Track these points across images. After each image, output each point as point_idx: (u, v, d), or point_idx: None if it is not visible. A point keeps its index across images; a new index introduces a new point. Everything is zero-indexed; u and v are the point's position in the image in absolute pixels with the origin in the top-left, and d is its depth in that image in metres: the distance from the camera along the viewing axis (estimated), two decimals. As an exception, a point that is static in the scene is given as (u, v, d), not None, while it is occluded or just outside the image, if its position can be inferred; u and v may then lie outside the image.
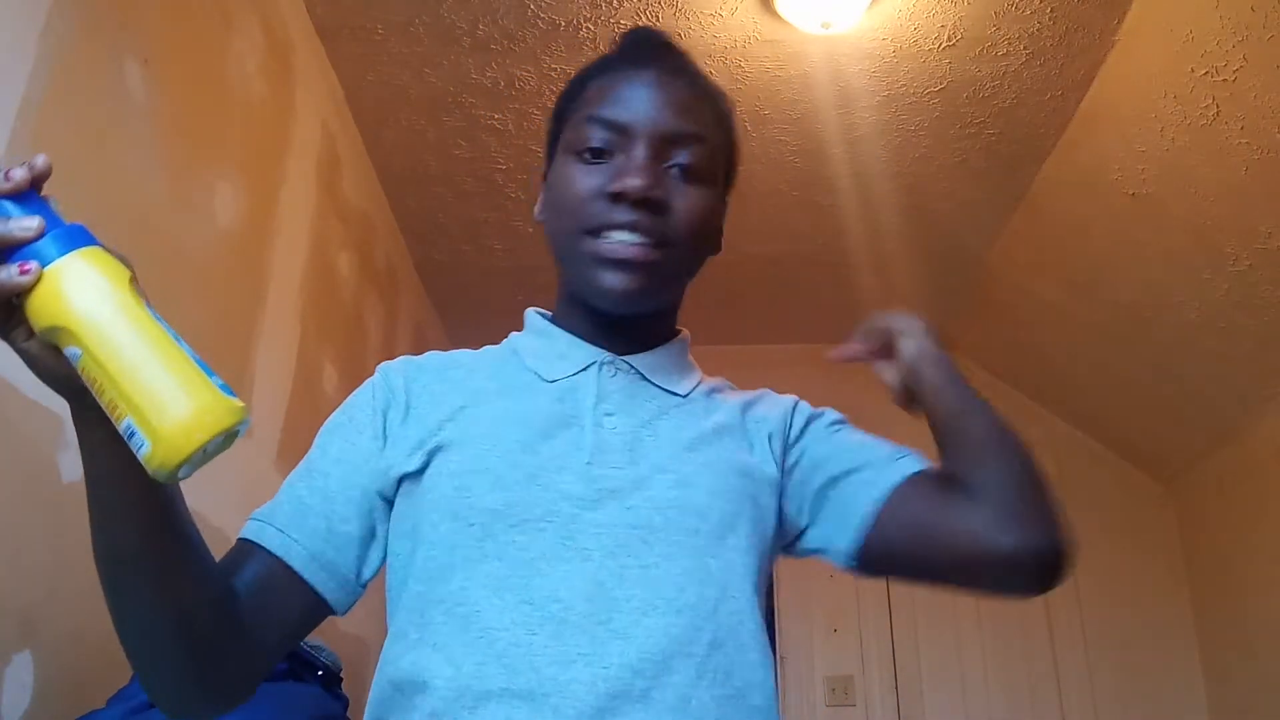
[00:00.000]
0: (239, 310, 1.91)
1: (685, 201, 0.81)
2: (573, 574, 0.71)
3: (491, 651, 0.69)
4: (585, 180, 0.81)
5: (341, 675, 1.47)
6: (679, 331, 0.91)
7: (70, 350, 0.54)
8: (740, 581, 0.75)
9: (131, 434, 0.53)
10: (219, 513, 1.48)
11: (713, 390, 0.89)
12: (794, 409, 0.89)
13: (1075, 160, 2.57)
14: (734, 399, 0.89)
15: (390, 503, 0.80)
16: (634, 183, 0.78)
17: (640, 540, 0.73)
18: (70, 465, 1.31)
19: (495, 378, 0.85)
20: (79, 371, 0.55)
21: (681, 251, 0.82)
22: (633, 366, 0.85)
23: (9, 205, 0.56)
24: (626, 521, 0.74)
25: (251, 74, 1.95)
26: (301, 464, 0.83)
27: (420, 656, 0.71)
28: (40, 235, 0.55)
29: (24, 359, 0.58)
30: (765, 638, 0.76)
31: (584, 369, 0.84)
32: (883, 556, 0.81)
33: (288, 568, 0.76)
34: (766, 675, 0.74)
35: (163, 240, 1.59)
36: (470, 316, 3.51)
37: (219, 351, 1.80)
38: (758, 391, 0.92)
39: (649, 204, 0.79)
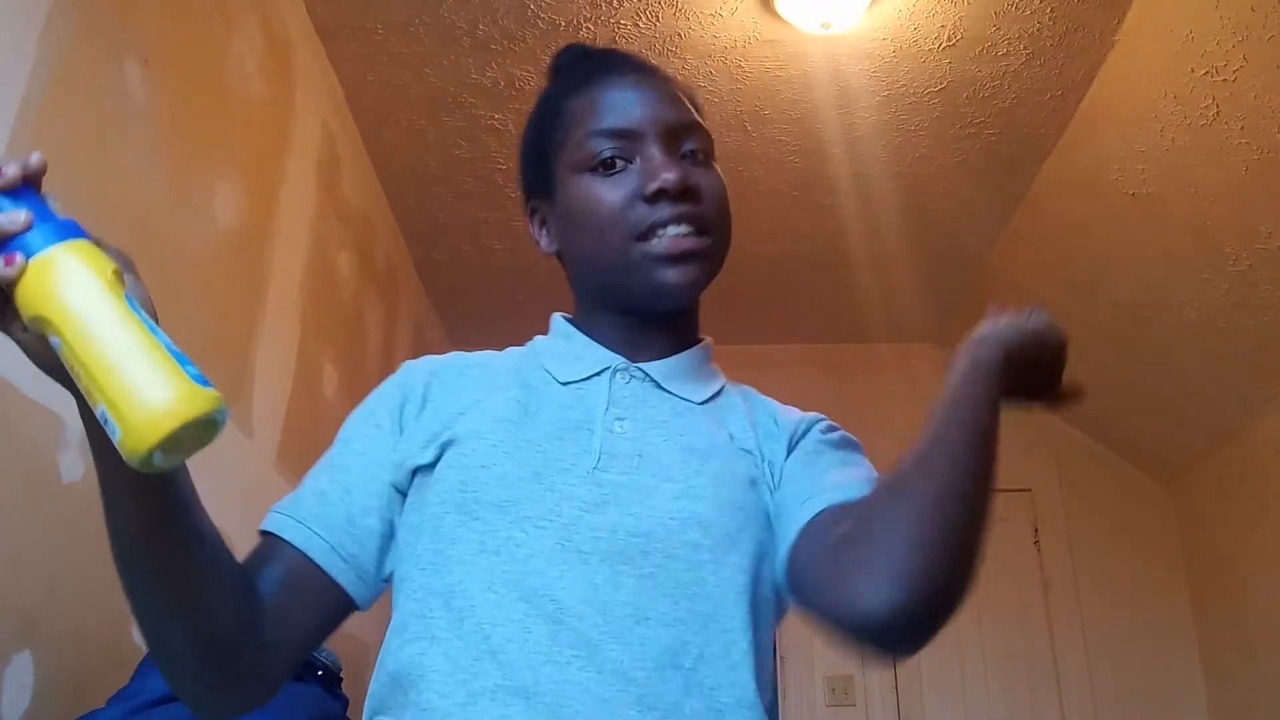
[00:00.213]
0: (239, 310, 1.91)
1: (709, 184, 0.83)
2: (569, 575, 0.71)
3: (487, 647, 0.69)
4: (613, 192, 0.81)
5: (341, 675, 1.47)
6: (701, 339, 0.91)
7: (53, 339, 0.56)
8: (737, 598, 0.73)
9: (106, 421, 0.55)
10: (219, 513, 1.47)
11: (734, 398, 0.88)
12: (807, 424, 0.86)
13: (1075, 160, 2.57)
14: (755, 408, 0.88)
15: (405, 495, 0.81)
16: (670, 177, 0.79)
17: (639, 549, 0.73)
18: (70, 465, 1.31)
19: (512, 376, 0.85)
20: (62, 360, 0.57)
21: (720, 234, 0.83)
22: (647, 374, 0.84)
23: (1, 200, 0.58)
24: (627, 528, 0.73)
25: (251, 74, 1.95)
26: (323, 459, 0.84)
27: (418, 650, 0.72)
28: (27, 228, 0.57)
29: (21, 348, 0.60)
30: (760, 657, 0.74)
31: (598, 374, 0.84)
32: (795, 592, 0.76)
33: (310, 562, 0.77)
34: (756, 695, 0.72)
35: (163, 240, 1.59)
36: (470, 316, 3.51)
37: (219, 351, 1.80)
38: (784, 407, 0.89)
39: (688, 193, 0.80)
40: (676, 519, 0.74)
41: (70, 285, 0.56)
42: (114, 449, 0.56)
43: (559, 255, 0.89)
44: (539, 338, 0.92)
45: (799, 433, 0.85)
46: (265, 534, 0.80)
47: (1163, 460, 3.37)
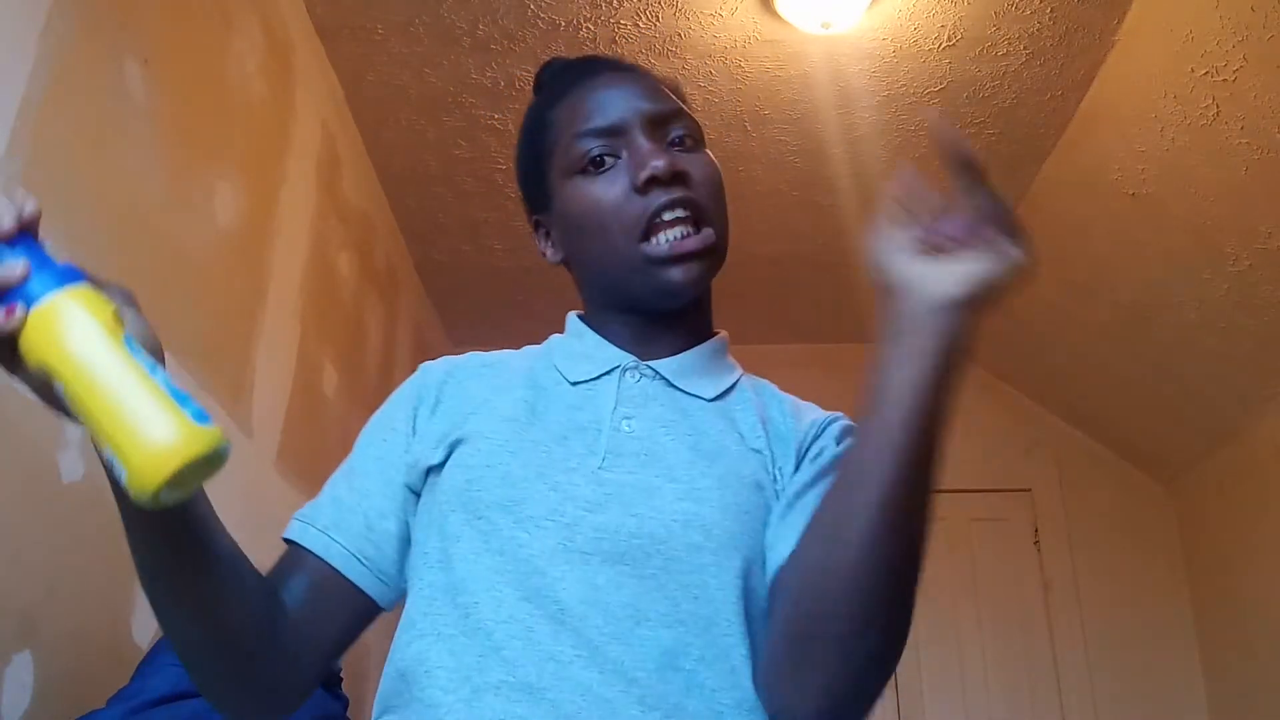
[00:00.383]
0: (239, 310, 1.91)
1: (699, 167, 0.83)
2: (570, 576, 0.71)
3: (490, 644, 0.70)
4: (606, 189, 0.82)
5: (341, 675, 1.47)
6: (716, 332, 0.90)
7: (57, 385, 0.59)
8: (738, 601, 0.73)
9: (112, 463, 0.57)
10: (220, 513, 1.47)
11: (747, 393, 0.87)
12: (821, 423, 0.83)
13: (1075, 160, 2.57)
14: (768, 404, 0.86)
15: (419, 495, 0.82)
16: (659, 163, 0.79)
17: (641, 550, 0.72)
18: (70, 465, 1.31)
19: (523, 377, 0.86)
20: (67, 403, 0.59)
21: (718, 219, 0.83)
22: (657, 372, 0.84)
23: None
24: (630, 530, 0.73)
25: (251, 74, 1.95)
26: (342, 465, 0.86)
27: (424, 646, 0.72)
28: (26, 278, 0.58)
29: (31, 391, 0.62)
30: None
31: (607, 373, 0.84)
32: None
33: (330, 568, 0.79)
34: (757, 698, 0.72)
35: (163, 240, 1.59)
36: (470, 316, 3.51)
37: (219, 351, 1.80)
38: (803, 403, 0.88)
39: (678, 178, 0.81)
40: (679, 520, 0.74)
41: (69, 334, 0.58)
42: None
43: (565, 263, 0.90)
44: (555, 336, 0.92)
45: (809, 439, 0.82)
46: (288, 542, 0.82)
47: (1163, 460, 3.37)
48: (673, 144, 0.83)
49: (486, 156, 2.67)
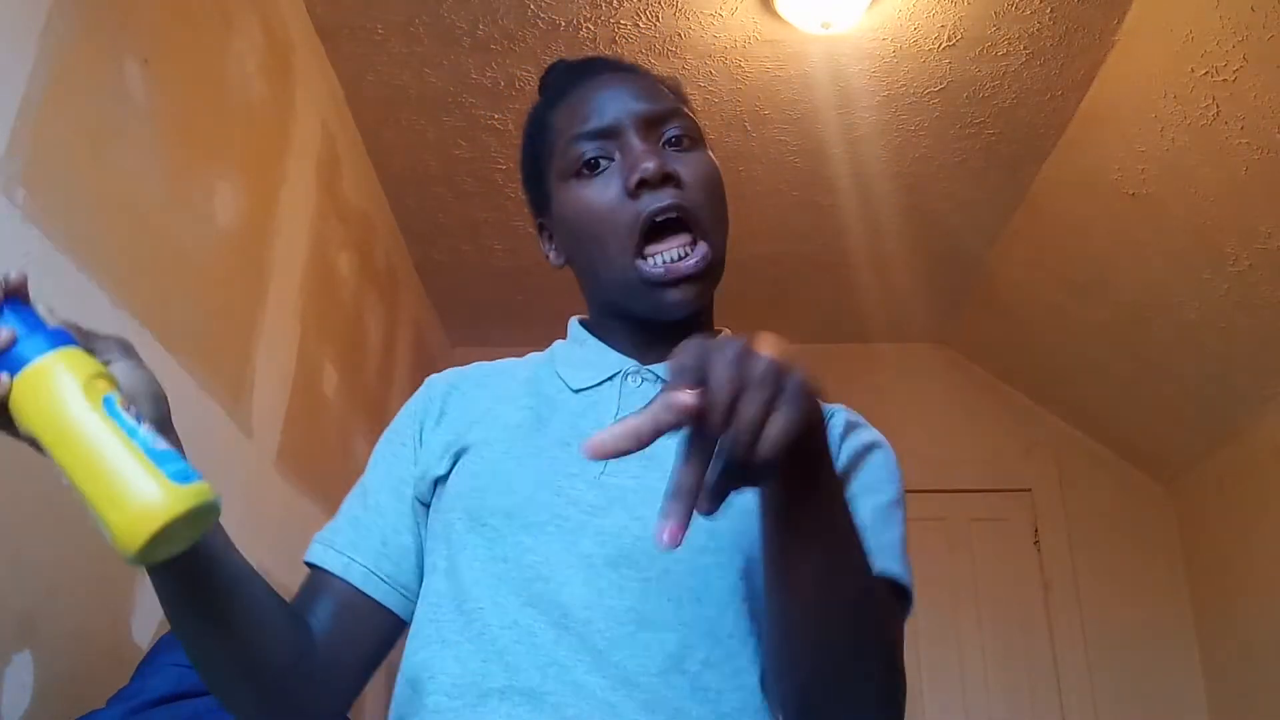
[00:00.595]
0: (239, 310, 1.91)
1: (691, 167, 0.82)
2: (574, 581, 0.71)
3: (494, 649, 0.70)
4: (600, 193, 0.82)
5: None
6: (718, 332, 0.89)
7: (45, 449, 0.60)
8: (741, 604, 0.73)
9: (97, 526, 0.58)
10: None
11: None
12: (840, 435, 0.81)
13: (1075, 160, 2.57)
14: None
15: (429, 507, 0.83)
16: (648, 165, 0.79)
17: (644, 552, 0.72)
18: (70, 465, 1.31)
19: (526, 384, 0.86)
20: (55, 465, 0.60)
21: (713, 221, 0.82)
22: (658, 376, 0.84)
23: None
24: (633, 532, 0.73)
25: (251, 74, 1.95)
26: (357, 483, 0.87)
27: (430, 653, 0.73)
28: (11, 345, 0.59)
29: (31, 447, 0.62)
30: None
31: (609, 378, 0.84)
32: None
33: (352, 588, 0.80)
34: (762, 700, 0.72)
35: (163, 240, 1.59)
36: (470, 316, 3.51)
37: (219, 351, 1.80)
38: (835, 415, 0.84)
39: (669, 180, 0.80)
40: None
41: (48, 399, 0.59)
42: None
43: (568, 264, 0.90)
44: (558, 342, 0.92)
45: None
46: (309, 566, 0.83)
47: (1163, 460, 3.37)
48: (669, 143, 0.83)
49: (486, 156, 2.67)
